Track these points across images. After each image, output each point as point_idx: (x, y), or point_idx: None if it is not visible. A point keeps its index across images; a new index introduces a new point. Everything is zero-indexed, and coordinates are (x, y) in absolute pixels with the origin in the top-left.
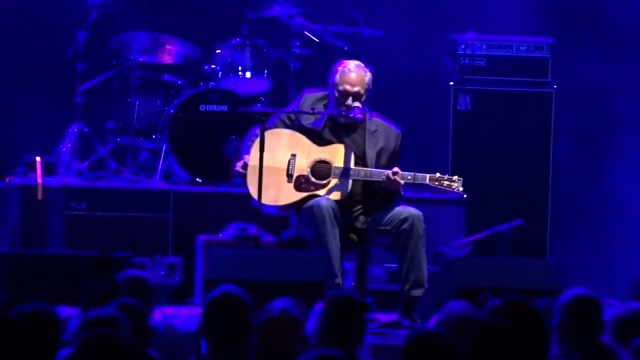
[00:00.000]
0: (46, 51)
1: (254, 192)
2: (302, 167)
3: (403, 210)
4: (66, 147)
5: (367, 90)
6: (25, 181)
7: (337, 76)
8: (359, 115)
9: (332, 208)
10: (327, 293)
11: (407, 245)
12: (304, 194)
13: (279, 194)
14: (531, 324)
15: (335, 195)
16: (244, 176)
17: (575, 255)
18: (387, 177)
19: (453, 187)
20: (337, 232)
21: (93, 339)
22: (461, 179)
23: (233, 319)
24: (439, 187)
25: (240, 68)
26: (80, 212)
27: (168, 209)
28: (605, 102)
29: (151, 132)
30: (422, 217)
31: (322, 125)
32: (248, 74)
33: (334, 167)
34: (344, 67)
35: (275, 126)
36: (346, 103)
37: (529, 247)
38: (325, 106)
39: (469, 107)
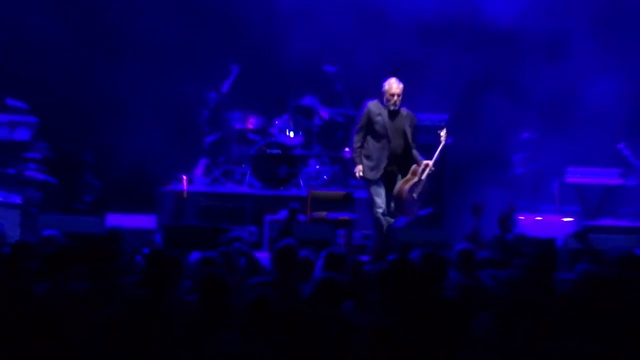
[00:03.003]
0: (187, 122)
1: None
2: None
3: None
4: (198, 170)
5: (401, 93)
6: (177, 188)
7: (387, 87)
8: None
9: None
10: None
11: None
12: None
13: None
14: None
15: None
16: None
17: (460, 225)
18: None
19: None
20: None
21: (208, 276)
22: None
23: (290, 257)
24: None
25: (287, 131)
26: (206, 204)
27: (250, 202)
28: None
29: (241, 163)
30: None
31: (387, 113)
32: (291, 134)
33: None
34: (390, 81)
35: (357, 132)
36: (392, 101)
37: (437, 222)
38: (380, 104)
39: None
